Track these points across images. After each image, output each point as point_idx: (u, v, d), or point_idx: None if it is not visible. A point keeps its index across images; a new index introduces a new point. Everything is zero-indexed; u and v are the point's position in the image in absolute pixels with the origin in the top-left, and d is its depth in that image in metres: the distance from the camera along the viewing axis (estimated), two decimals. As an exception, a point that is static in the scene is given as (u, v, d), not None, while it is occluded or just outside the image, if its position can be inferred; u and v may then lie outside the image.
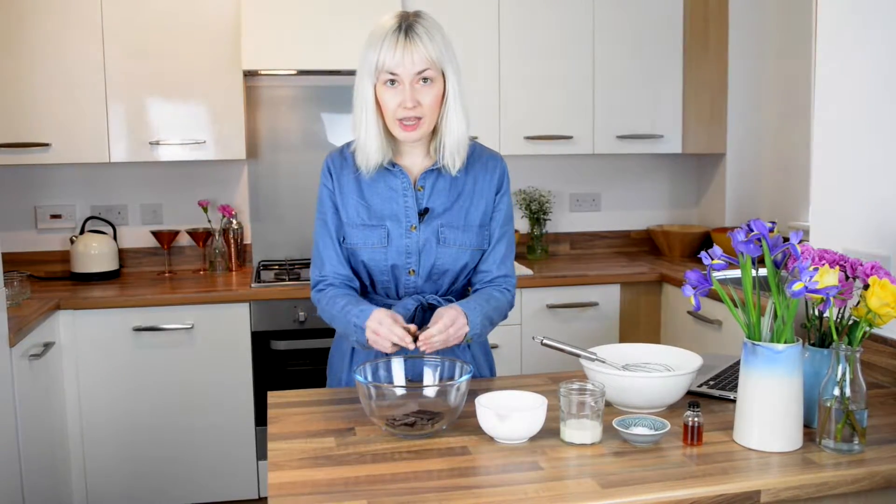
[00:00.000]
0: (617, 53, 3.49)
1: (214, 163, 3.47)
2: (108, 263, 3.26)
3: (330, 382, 1.90)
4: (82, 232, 3.32)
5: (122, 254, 3.44)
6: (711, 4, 3.57)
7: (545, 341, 1.64)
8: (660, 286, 3.35)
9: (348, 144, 1.79)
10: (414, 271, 1.76)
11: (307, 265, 3.36)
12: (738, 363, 1.84)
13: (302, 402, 1.68)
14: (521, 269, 3.32)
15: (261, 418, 3.04)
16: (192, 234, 3.40)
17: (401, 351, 1.62)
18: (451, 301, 1.76)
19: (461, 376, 1.53)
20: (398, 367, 1.62)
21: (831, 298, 1.34)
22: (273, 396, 1.73)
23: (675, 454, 1.38)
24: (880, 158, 1.84)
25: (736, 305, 1.42)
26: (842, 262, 1.48)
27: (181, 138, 3.16)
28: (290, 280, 3.11)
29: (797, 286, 1.31)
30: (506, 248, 1.81)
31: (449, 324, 1.61)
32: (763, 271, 1.40)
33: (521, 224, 3.74)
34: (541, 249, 3.72)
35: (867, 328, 1.42)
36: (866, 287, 1.41)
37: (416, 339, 1.59)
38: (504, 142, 3.40)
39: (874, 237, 1.85)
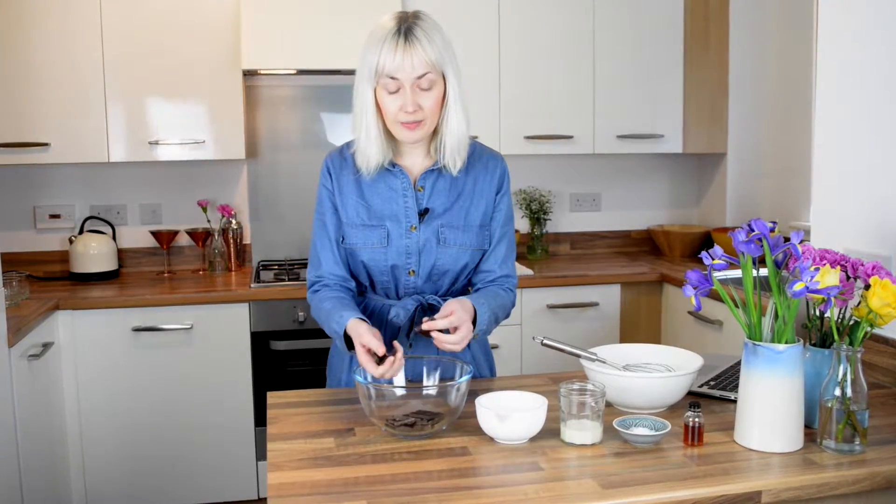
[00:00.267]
0: (617, 53, 3.48)
1: (214, 162, 3.47)
2: (107, 263, 3.25)
3: (329, 383, 1.90)
4: (81, 232, 3.31)
5: (122, 254, 3.43)
6: (712, 4, 3.57)
7: (545, 341, 1.64)
8: (660, 286, 3.35)
9: (348, 144, 1.78)
10: (414, 272, 1.75)
11: (306, 265, 3.34)
12: (738, 363, 1.83)
13: (301, 403, 1.68)
14: (522, 269, 3.31)
15: (260, 419, 3.03)
16: (192, 234, 3.40)
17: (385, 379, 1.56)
18: (450, 301, 1.75)
19: (461, 376, 1.53)
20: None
21: (832, 298, 1.34)
22: (272, 397, 1.73)
23: (675, 455, 1.37)
24: (881, 158, 1.83)
25: (737, 305, 1.42)
26: (843, 262, 1.47)
27: (180, 138, 3.15)
28: (289, 280, 3.11)
29: (798, 286, 1.30)
30: (507, 248, 1.81)
31: (466, 334, 1.58)
32: (764, 271, 1.40)
33: (522, 224, 3.74)
34: (541, 249, 3.72)
35: (868, 328, 1.41)
36: (867, 287, 1.41)
37: (395, 352, 1.55)
38: (504, 141, 3.40)
39: (875, 237, 1.84)
